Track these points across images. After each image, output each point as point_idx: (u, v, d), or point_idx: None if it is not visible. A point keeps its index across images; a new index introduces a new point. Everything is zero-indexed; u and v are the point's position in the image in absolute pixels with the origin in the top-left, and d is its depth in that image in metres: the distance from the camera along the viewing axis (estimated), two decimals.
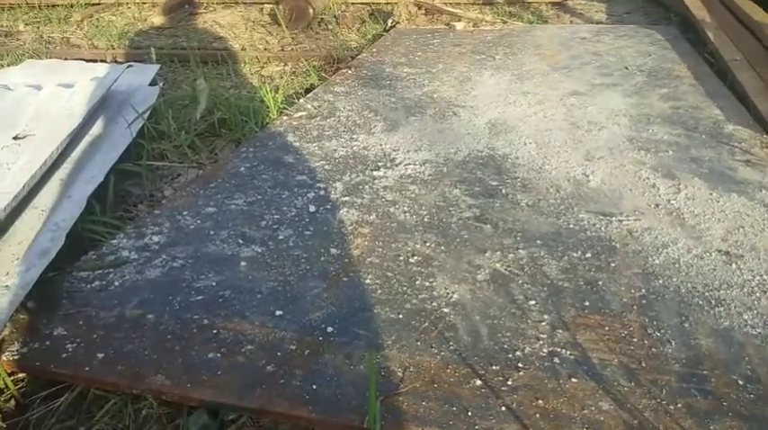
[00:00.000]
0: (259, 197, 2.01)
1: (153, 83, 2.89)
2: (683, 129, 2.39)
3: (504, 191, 2.00)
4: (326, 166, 2.22)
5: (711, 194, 1.92)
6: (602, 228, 1.76)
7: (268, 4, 4.70)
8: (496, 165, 2.18)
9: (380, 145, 2.38)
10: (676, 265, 1.59)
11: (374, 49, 3.68)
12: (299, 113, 2.71)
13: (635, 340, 1.34)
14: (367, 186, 2.06)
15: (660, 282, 1.52)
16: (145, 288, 1.54)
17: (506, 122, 2.54)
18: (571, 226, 1.78)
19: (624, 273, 1.56)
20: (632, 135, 2.36)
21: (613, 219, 1.81)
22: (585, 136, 2.38)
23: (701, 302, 1.45)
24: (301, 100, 2.88)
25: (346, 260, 1.66)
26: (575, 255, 1.65)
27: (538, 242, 1.71)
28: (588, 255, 1.65)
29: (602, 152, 2.24)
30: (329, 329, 1.39)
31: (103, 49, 3.95)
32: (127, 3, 4.99)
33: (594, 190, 1.98)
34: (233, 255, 1.68)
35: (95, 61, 3.50)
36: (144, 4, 4.99)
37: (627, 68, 3.13)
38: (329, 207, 1.94)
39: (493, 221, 1.82)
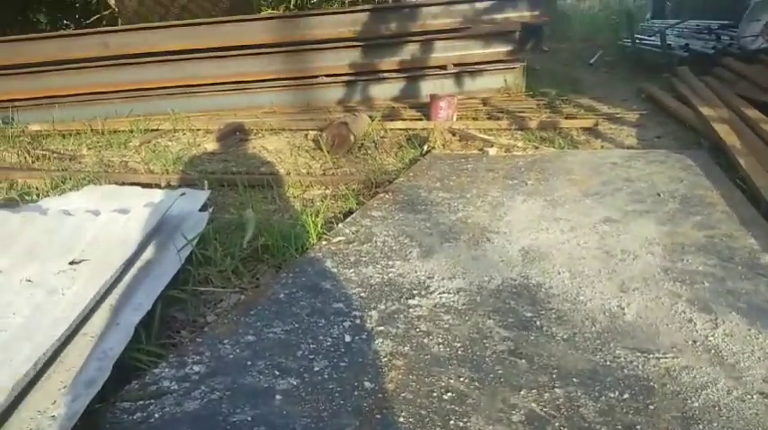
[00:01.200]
0: (296, 325, 2.06)
1: (203, 208, 3.08)
2: (718, 260, 2.39)
3: (538, 323, 2.01)
4: (362, 294, 2.28)
5: (750, 330, 1.89)
6: (640, 366, 1.74)
7: (312, 130, 5.03)
8: (530, 294, 2.21)
9: (415, 272, 2.44)
10: (716, 408, 1.55)
11: (411, 174, 3.85)
12: (338, 238, 2.83)
13: None
14: (402, 315, 2.10)
15: (700, 427, 1.48)
16: (183, 421, 1.58)
17: (539, 250, 2.59)
18: (608, 363, 1.77)
19: (663, 417, 1.53)
20: (667, 265, 2.37)
21: (651, 356, 1.79)
22: (619, 265, 2.40)
23: None
24: (340, 224, 3.01)
25: (380, 395, 1.67)
26: (612, 395, 1.62)
27: (574, 380, 1.69)
28: (626, 395, 1.62)
29: (637, 283, 2.24)
30: None
31: (159, 173, 4.24)
32: (183, 129, 5.41)
33: (630, 324, 1.98)
34: (269, 387, 1.71)
35: (151, 185, 3.76)
36: (198, 131, 5.40)
37: (659, 195, 3.18)
38: (364, 337, 1.98)
39: (528, 356, 1.82)
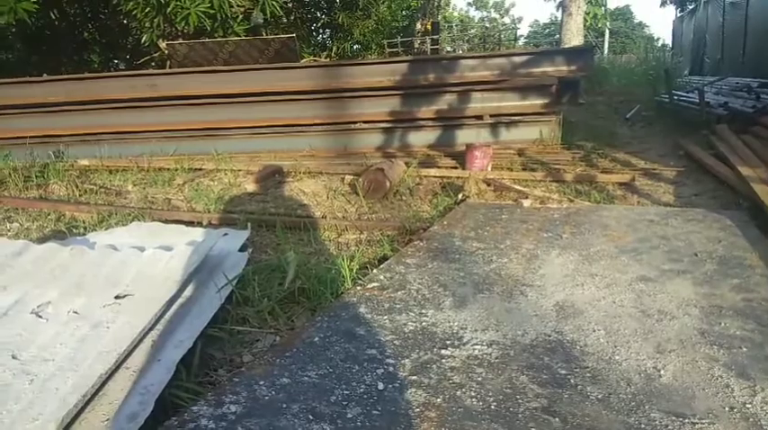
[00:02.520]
0: (330, 370, 2.09)
1: (242, 248, 3.17)
2: (757, 325, 2.35)
3: (572, 381, 2.00)
4: (396, 341, 2.30)
5: None
6: None
7: (349, 175, 5.14)
8: (565, 351, 2.20)
9: (449, 322, 2.46)
10: None
11: (445, 222, 3.90)
12: (372, 284, 2.87)
13: None
14: (435, 366, 2.11)
15: None
16: None
17: (574, 305, 2.58)
18: (642, 426, 1.75)
19: None
20: (704, 328, 2.34)
21: (686, 421, 1.76)
22: (656, 326, 2.38)
23: None
24: (374, 270, 3.05)
25: None
26: None
27: None
28: None
29: (674, 345, 2.22)
30: None
31: (200, 211, 4.38)
32: (224, 170, 5.58)
33: (666, 386, 1.95)
34: None
35: (193, 223, 3.88)
36: (239, 171, 5.57)
37: (696, 255, 3.15)
38: (397, 385, 1.99)
39: (561, 415, 1.81)
